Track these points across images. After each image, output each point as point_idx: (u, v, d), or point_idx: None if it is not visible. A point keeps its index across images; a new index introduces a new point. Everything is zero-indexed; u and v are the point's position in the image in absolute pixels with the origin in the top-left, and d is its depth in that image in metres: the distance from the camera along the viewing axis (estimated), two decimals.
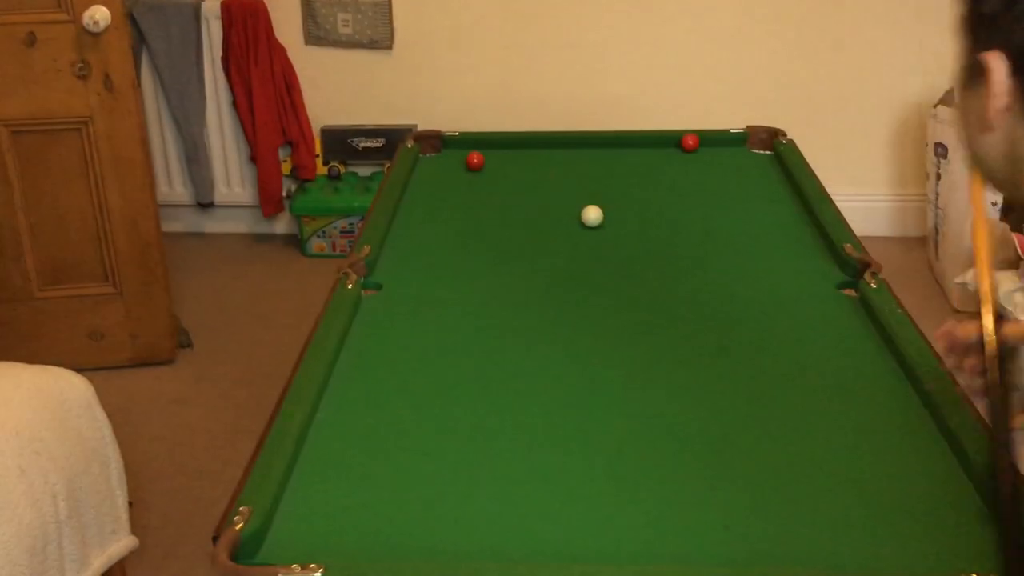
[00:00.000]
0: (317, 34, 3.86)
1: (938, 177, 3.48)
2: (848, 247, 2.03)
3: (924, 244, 3.82)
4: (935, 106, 3.47)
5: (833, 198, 2.31)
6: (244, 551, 1.24)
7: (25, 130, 2.89)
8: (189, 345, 3.29)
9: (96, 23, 2.80)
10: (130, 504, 2.21)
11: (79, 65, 2.85)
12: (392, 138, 3.80)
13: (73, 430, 2.04)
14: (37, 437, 1.98)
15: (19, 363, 2.13)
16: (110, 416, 2.15)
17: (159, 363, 3.18)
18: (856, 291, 1.92)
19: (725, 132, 2.75)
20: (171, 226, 3.96)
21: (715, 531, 1.30)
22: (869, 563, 1.23)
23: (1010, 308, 2.80)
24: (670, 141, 2.72)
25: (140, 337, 3.17)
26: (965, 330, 1.32)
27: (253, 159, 3.92)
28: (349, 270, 1.96)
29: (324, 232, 3.93)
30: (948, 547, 1.26)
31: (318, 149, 3.94)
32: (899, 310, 1.78)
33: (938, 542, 1.27)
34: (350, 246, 2.15)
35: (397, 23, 3.82)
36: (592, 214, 2.26)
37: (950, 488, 1.37)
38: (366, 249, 2.06)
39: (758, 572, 1.19)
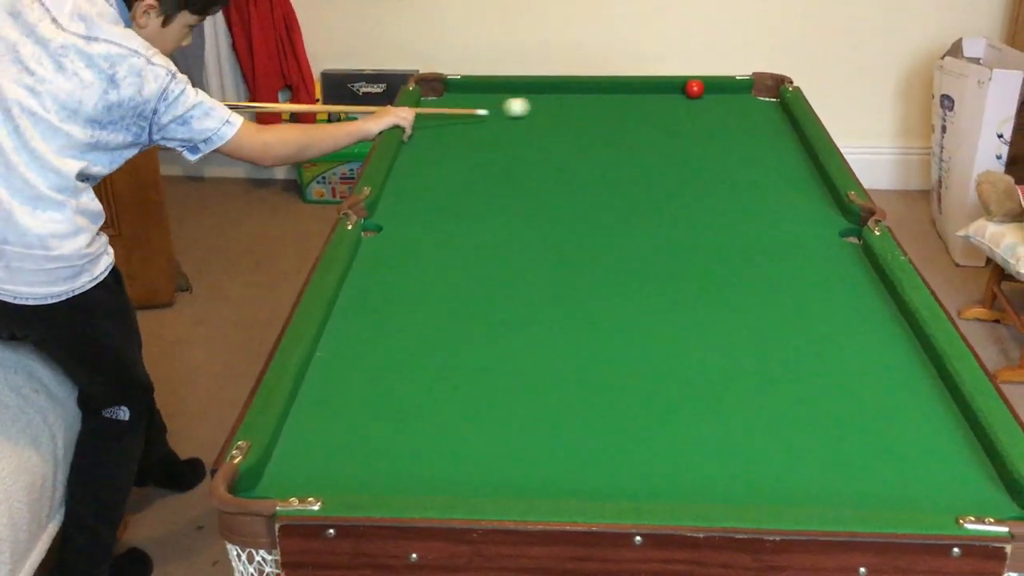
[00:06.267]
0: None
1: (943, 130, 3.44)
2: (852, 195, 2.01)
3: (927, 198, 3.80)
4: (942, 58, 3.43)
5: None
6: (242, 484, 1.24)
7: None
8: (188, 289, 3.29)
9: None
10: None
11: None
12: (394, 84, 3.75)
13: None
14: (35, 376, 1.98)
15: None
16: None
17: (158, 306, 3.17)
18: (859, 239, 1.91)
19: (730, 78, 2.72)
20: (170, 170, 3.93)
21: (715, 468, 1.30)
22: (868, 503, 1.23)
23: (1013, 261, 2.79)
24: (674, 87, 2.70)
25: (139, 280, 3.15)
26: None
27: None
28: (349, 211, 1.95)
29: (324, 178, 3.90)
30: (945, 488, 1.27)
31: (318, 93, 3.90)
32: (902, 257, 1.78)
33: (936, 483, 1.28)
34: (350, 192, 2.14)
35: None
36: (516, 106, 2.41)
37: (948, 431, 1.38)
38: (366, 191, 2.04)
39: (757, 508, 1.19)
